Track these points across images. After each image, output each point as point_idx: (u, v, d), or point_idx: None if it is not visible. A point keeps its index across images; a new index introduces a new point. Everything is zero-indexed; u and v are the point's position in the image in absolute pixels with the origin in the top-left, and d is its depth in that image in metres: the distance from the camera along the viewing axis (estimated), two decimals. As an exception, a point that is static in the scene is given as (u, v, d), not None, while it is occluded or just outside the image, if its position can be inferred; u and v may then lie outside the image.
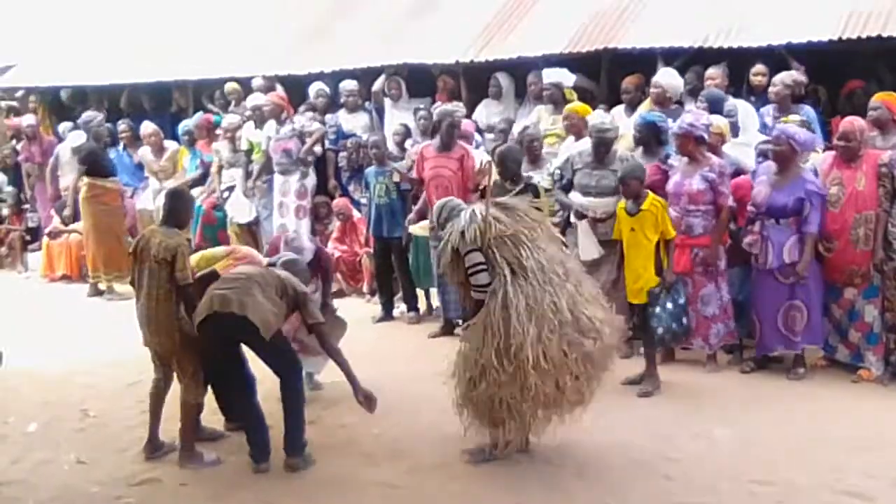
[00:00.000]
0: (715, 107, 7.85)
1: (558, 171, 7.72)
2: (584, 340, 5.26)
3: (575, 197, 7.45)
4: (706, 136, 7.05)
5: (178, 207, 5.77)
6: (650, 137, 7.48)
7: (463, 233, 5.38)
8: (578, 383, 5.31)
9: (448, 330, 8.41)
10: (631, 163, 7.01)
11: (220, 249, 6.63)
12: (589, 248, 7.27)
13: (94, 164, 10.63)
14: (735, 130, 7.76)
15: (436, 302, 9.04)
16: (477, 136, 9.44)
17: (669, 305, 6.68)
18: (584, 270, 5.77)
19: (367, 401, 5.58)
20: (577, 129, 8.17)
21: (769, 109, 7.99)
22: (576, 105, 8.48)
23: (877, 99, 7.09)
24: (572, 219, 7.51)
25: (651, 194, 6.72)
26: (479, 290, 5.35)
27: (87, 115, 11.48)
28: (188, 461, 5.60)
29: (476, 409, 5.38)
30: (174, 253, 5.44)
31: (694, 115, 7.31)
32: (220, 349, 5.57)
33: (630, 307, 6.72)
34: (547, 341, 5.14)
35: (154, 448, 5.75)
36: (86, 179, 10.61)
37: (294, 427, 5.53)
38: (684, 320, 6.77)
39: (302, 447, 5.56)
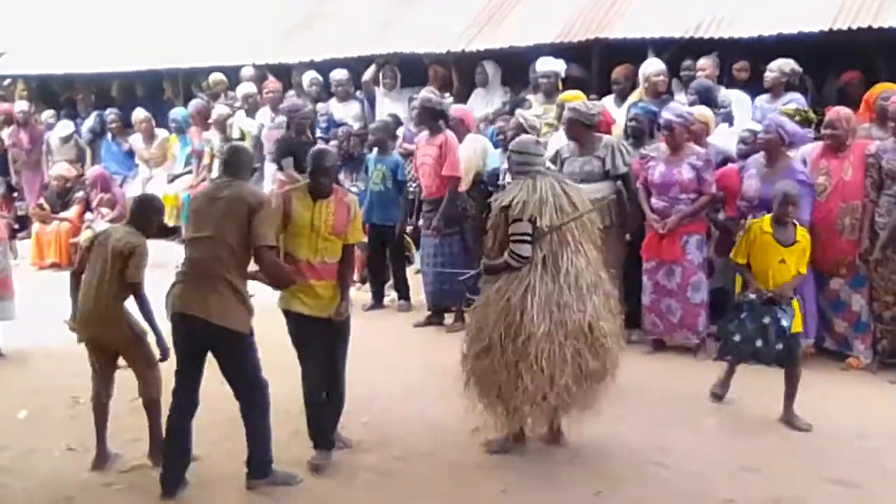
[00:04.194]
0: (704, 97, 7.85)
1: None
2: (589, 357, 5.16)
3: None
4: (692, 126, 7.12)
5: (143, 213, 5.61)
6: (647, 128, 7.47)
7: (524, 204, 5.16)
8: (570, 392, 5.18)
9: (434, 319, 8.41)
10: (788, 184, 6.11)
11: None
12: None
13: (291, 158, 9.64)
14: (730, 120, 7.77)
15: (420, 293, 8.96)
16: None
17: (766, 320, 5.76)
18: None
19: None
20: (567, 117, 8.10)
21: (763, 98, 8.01)
22: (569, 94, 8.41)
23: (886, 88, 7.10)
24: None
25: (798, 224, 5.96)
26: (517, 260, 5.18)
27: (292, 104, 10.22)
28: (160, 458, 5.38)
29: (478, 382, 5.33)
30: (132, 250, 5.27)
31: (683, 105, 7.34)
32: (186, 353, 5.06)
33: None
34: (558, 346, 5.06)
35: (104, 459, 5.50)
36: (280, 175, 9.65)
37: (257, 448, 5.14)
38: (779, 346, 5.80)
39: (267, 467, 5.17)
